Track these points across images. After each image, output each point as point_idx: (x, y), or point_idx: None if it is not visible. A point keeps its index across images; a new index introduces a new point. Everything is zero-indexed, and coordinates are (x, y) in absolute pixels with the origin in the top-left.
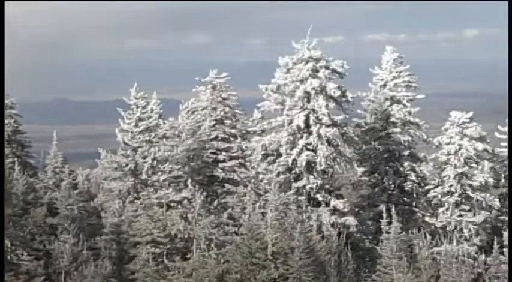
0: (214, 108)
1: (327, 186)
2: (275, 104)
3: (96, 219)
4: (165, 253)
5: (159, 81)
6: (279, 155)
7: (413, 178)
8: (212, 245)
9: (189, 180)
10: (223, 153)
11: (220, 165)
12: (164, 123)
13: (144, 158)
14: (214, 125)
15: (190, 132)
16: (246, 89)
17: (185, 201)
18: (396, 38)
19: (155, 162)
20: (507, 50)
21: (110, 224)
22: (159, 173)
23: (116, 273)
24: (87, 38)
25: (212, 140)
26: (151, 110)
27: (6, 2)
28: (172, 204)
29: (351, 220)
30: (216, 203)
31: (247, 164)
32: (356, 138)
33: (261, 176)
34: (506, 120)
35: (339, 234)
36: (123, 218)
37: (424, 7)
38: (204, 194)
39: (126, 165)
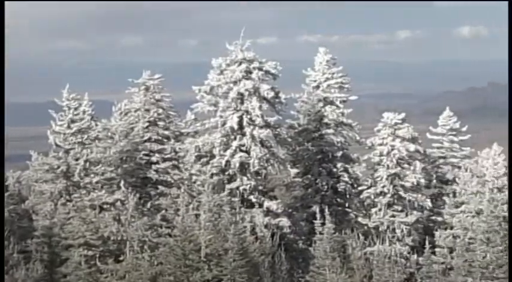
0: (148, 110)
1: (260, 188)
2: (208, 105)
3: (28, 222)
4: (97, 256)
5: (91, 83)
6: (213, 156)
7: (346, 179)
8: (145, 247)
9: (122, 182)
10: (157, 154)
11: (154, 167)
12: (97, 125)
13: (77, 159)
14: (147, 127)
15: (123, 134)
16: (180, 90)
17: (118, 203)
18: (329, 40)
19: (87, 164)
20: (447, 51)
21: (42, 227)
22: (92, 175)
23: (47, 277)
24: (19, 39)
25: (145, 141)
26: (84, 112)
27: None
28: (105, 206)
29: (284, 221)
30: (149, 204)
31: (181, 165)
32: (289, 140)
33: (194, 177)
34: (438, 121)
35: (272, 235)
36: (55, 221)
37: (357, 9)
38: (137, 195)
39: (58, 167)
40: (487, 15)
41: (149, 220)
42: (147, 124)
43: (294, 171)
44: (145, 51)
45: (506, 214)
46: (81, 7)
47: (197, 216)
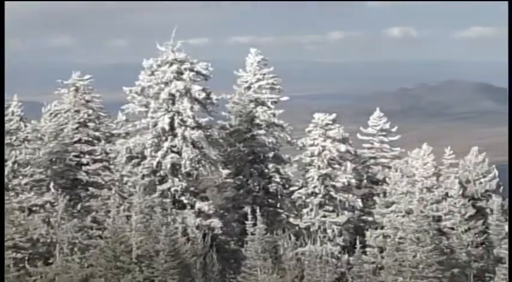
0: (78, 111)
1: (192, 189)
2: (139, 106)
3: None
4: (26, 258)
5: (20, 84)
6: (144, 157)
7: (278, 180)
8: (75, 249)
9: (52, 184)
10: (87, 156)
11: (84, 168)
12: (26, 126)
13: (5, 161)
14: (77, 128)
15: (53, 135)
16: (110, 91)
17: (47, 205)
18: (261, 40)
19: (16, 165)
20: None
21: None
22: (20, 177)
23: None
24: None
25: (75, 142)
26: (12, 113)
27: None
28: (34, 209)
29: (216, 222)
30: (79, 206)
31: (112, 166)
32: (221, 141)
33: (125, 178)
34: (369, 122)
35: (204, 236)
36: None
37: (289, 9)
38: (67, 197)
39: None
40: (416, 16)
41: (79, 222)
42: (77, 125)
43: (225, 172)
44: (75, 51)
45: (436, 214)
46: (9, 6)
47: (128, 217)
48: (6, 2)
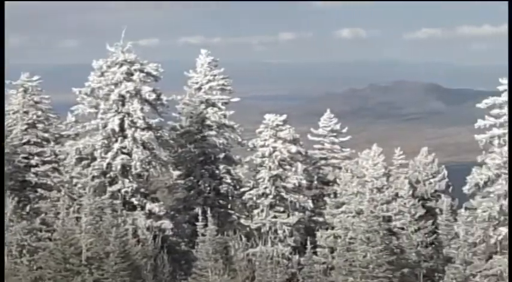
0: (26, 112)
1: (142, 190)
2: (89, 107)
3: None
4: None
5: None
6: (94, 158)
7: (229, 181)
8: (24, 251)
9: None
10: (36, 157)
11: (33, 170)
12: None
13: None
14: (26, 129)
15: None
16: (60, 92)
17: None
18: (211, 41)
19: None
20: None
21: None
22: None
23: None
24: None
25: (24, 144)
26: None
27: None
28: None
29: (166, 223)
30: (28, 208)
31: (61, 168)
32: (171, 142)
33: (75, 180)
34: (319, 123)
35: (154, 237)
36: None
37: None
38: (16, 199)
39: None
40: (366, 17)
41: (28, 224)
42: (25, 126)
43: (176, 173)
44: (23, 52)
45: (386, 214)
46: None
47: (78, 219)
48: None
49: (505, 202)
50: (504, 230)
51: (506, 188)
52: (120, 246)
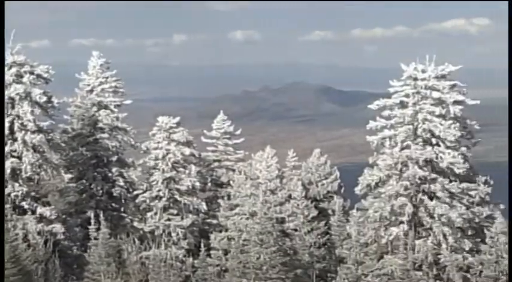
0: None
1: (33, 194)
2: None
3: None
4: None
5: None
6: None
7: (122, 183)
8: None
9: None
10: None
11: None
12: None
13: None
14: None
15: None
16: None
17: None
18: (104, 43)
19: None
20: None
21: None
22: None
23: None
24: None
25: None
26: None
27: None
28: None
29: (58, 227)
30: None
31: None
32: (63, 145)
33: None
34: (212, 125)
35: (45, 242)
36: None
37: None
38: None
39: None
40: (260, 20)
41: None
42: None
43: (67, 176)
44: None
45: (279, 215)
46: None
47: None
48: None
49: (396, 202)
50: (395, 230)
51: (396, 188)
52: (10, 251)
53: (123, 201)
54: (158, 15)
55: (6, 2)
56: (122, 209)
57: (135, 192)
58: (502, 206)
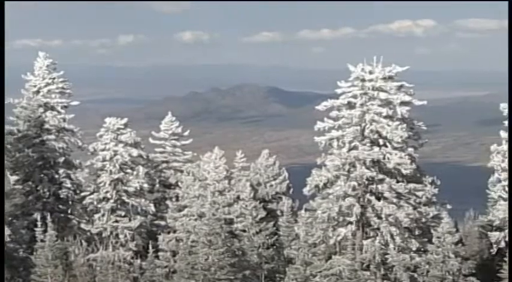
0: None
1: None
2: None
3: None
4: None
5: None
6: None
7: (69, 185)
8: None
9: None
10: None
11: None
12: None
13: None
14: None
15: None
16: None
17: None
18: (50, 44)
19: None
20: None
21: None
22: None
23: None
24: None
25: None
26: None
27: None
28: None
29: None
30: None
31: None
32: (9, 146)
33: None
34: (160, 126)
35: None
36: None
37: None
38: None
39: None
40: (208, 21)
41: None
42: None
43: (13, 178)
44: None
45: (228, 216)
46: None
47: None
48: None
49: (344, 203)
50: (343, 231)
51: (344, 189)
52: None
53: (70, 203)
54: (104, 16)
55: None
56: (69, 211)
57: (82, 194)
58: (448, 206)
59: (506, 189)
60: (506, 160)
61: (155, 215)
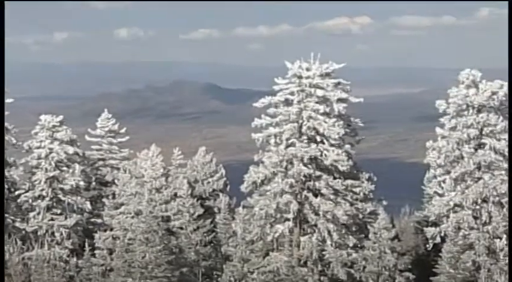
0: None
1: None
2: None
3: None
4: None
5: None
6: None
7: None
8: None
9: None
10: None
11: None
12: None
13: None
14: None
15: None
16: None
17: None
18: None
19: None
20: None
21: None
22: None
23: None
24: None
25: None
26: None
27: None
28: None
29: None
30: None
31: None
32: None
33: None
34: (97, 123)
35: None
36: None
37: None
38: None
39: None
40: (144, 18)
41: None
42: None
43: None
44: None
45: (165, 214)
46: None
47: None
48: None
49: (281, 200)
50: (281, 227)
51: (281, 186)
52: None
53: (4, 201)
54: (37, 13)
55: None
56: (3, 209)
57: (17, 192)
58: (384, 202)
59: (442, 185)
60: (442, 156)
61: (91, 213)
